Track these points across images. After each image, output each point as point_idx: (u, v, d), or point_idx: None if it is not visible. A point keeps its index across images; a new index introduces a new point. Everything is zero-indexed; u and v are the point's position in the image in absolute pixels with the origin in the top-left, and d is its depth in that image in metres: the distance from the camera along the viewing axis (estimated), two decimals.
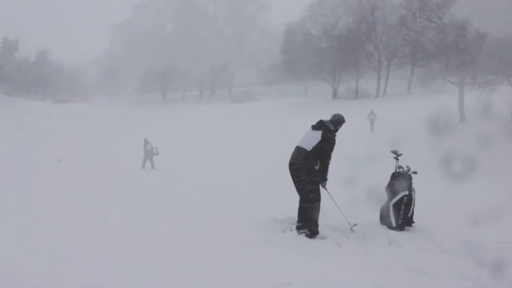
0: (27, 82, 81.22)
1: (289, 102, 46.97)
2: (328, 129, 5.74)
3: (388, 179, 6.39)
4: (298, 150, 5.76)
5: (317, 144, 5.62)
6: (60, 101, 60.79)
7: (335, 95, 49.55)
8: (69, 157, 13.58)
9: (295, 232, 5.74)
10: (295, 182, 5.77)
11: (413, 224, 6.23)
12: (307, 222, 5.63)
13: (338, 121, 5.93)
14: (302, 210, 5.71)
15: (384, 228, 6.08)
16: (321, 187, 5.76)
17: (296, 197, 5.84)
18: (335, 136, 5.82)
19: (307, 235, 5.59)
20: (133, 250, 4.93)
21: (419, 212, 6.26)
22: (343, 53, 45.78)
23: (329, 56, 48.29)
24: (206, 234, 5.64)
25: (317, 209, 5.62)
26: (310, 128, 5.88)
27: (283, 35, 51.77)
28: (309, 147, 5.65)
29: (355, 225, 5.91)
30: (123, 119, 37.38)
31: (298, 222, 5.77)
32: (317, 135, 5.69)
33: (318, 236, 5.59)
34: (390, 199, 6.15)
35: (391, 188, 6.19)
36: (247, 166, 12.27)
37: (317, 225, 5.65)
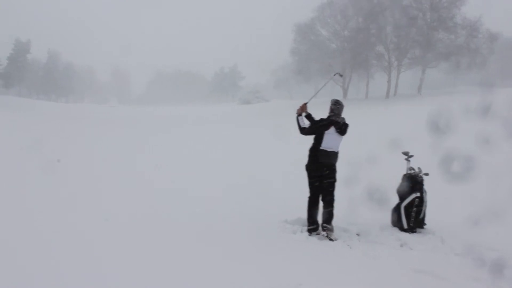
0: (39, 83, 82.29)
1: (299, 103, 46.66)
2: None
3: (399, 180, 6.38)
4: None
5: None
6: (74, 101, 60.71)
7: (345, 96, 49.39)
8: (79, 157, 13.60)
9: (306, 233, 5.79)
10: (328, 184, 5.86)
11: (424, 226, 6.21)
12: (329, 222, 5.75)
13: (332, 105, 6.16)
14: (330, 213, 5.78)
15: (395, 230, 6.07)
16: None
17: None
18: (330, 118, 5.96)
19: (329, 238, 5.66)
20: (139, 250, 4.99)
21: (430, 214, 6.24)
22: (353, 54, 45.55)
23: (339, 57, 48.07)
24: (217, 235, 5.68)
25: (312, 206, 5.86)
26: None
27: (293, 35, 51.63)
28: (336, 149, 5.90)
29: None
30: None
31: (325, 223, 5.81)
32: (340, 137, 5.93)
33: (313, 233, 5.78)
34: (402, 201, 6.15)
35: (403, 190, 6.19)
36: (258, 167, 12.25)
37: (312, 222, 5.83)
